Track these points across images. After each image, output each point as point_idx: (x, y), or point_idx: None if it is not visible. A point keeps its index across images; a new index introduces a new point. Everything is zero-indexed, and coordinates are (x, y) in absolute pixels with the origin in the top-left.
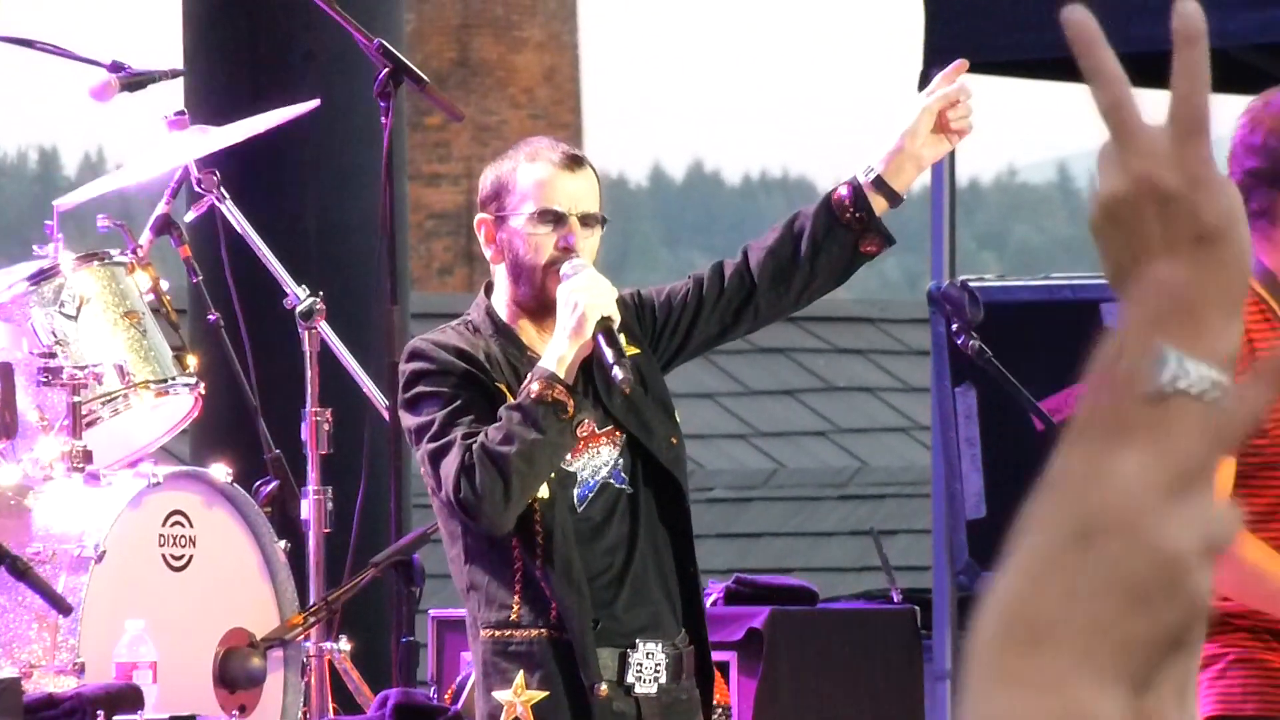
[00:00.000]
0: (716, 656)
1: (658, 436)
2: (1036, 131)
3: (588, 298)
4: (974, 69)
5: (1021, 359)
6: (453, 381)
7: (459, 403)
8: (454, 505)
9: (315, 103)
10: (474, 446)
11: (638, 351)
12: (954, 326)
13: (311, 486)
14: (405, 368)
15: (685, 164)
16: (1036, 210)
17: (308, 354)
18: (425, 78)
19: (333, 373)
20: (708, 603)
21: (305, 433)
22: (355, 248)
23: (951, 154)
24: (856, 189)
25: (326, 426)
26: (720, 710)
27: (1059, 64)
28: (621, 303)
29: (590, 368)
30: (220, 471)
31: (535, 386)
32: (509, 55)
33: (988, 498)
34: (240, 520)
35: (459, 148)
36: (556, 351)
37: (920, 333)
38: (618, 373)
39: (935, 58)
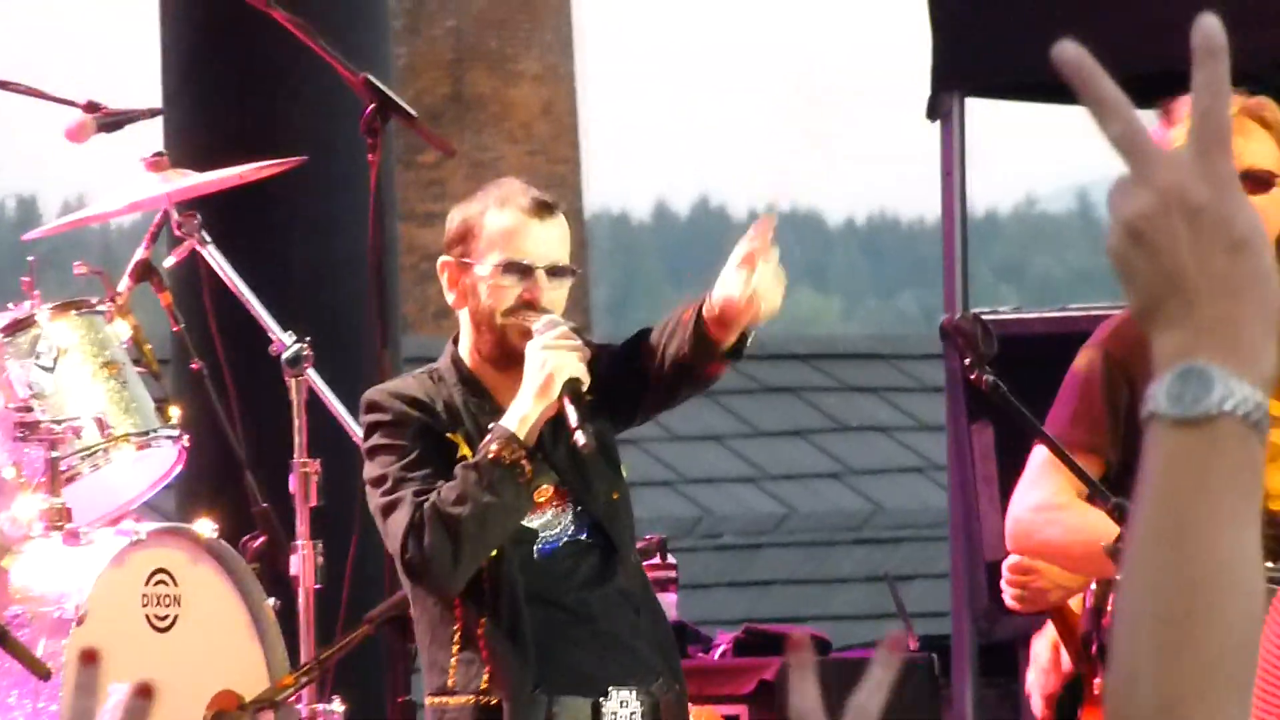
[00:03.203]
0: (727, 710)
1: (596, 491)
2: (1055, 159)
3: (557, 358)
4: (987, 93)
5: (1038, 392)
6: (407, 433)
7: (413, 456)
8: (400, 566)
9: (300, 159)
10: (425, 505)
11: (593, 398)
12: (967, 361)
13: (301, 541)
14: (362, 419)
15: (690, 199)
16: (1056, 240)
17: (295, 403)
18: (413, 112)
19: (322, 422)
20: (716, 654)
21: (293, 485)
22: (344, 291)
23: (963, 183)
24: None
25: (315, 478)
26: None
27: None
28: (591, 363)
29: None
30: (205, 527)
31: (494, 446)
32: (504, 89)
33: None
34: (227, 577)
35: (454, 186)
36: (520, 411)
37: (935, 369)
38: (580, 438)
39: (944, 83)
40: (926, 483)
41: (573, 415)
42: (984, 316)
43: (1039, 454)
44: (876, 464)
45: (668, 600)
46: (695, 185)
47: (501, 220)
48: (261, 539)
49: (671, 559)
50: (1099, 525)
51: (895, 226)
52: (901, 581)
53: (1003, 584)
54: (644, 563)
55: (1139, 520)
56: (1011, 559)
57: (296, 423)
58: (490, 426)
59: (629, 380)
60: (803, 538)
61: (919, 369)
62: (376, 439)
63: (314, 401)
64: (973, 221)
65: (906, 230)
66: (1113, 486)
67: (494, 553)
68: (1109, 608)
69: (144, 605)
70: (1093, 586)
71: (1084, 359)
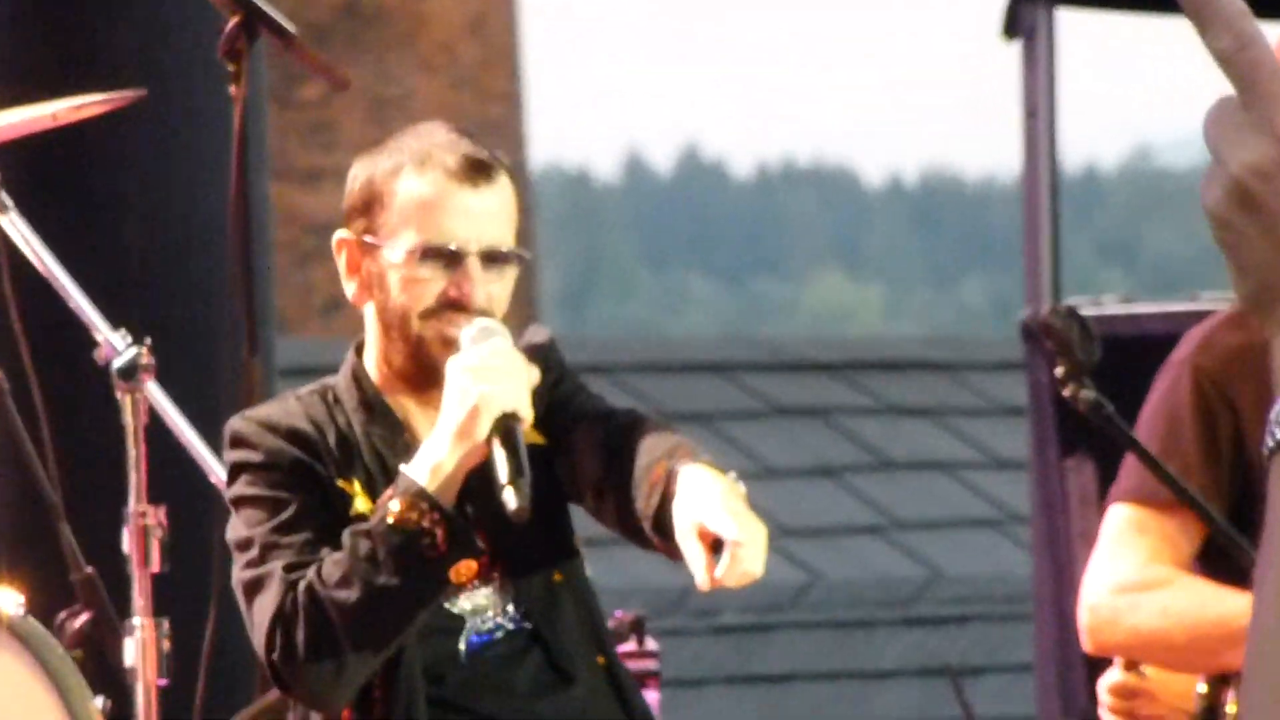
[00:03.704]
0: None
1: (531, 577)
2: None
3: (487, 384)
4: (1085, 1)
5: None
6: (279, 479)
7: (288, 513)
8: (266, 666)
9: (135, 94)
10: (300, 586)
11: (541, 442)
12: (1059, 372)
13: (139, 619)
14: (225, 457)
15: (674, 150)
16: (1179, 207)
17: (130, 429)
18: (291, 28)
19: (168, 455)
20: None
21: (128, 542)
22: (197, 276)
23: (1052, 129)
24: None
25: (159, 532)
26: None
27: None
28: (538, 392)
29: (477, 470)
30: (6, 600)
31: (395, 506)
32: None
33: None
34: (37, 669)
35: (348, 131)
36: (432, 456)
37: (1013, 383)
38: (510, 499)
39: None
40: (1001, 540)
41: (503, 466)
42: (1081, 311)
43: (1118, 515)
44: (932, 514)
45: (646, 702)
46: (680, 132)
47: (420, 186)
48: (84, 616)
49: (652, 644)
50: (1212, 603)
51: (956, 189)
52: (967, 676)
53: (1101, 712)
54: (615, 649)
55: (1267, 585)
56: (1111, 676)
57: (132, 455)
58: (400, 471)
59: (569, 457)
60: (832, 616)
61: (990, 383)
62: (241, 487)
63: (156, 427)
64: (1066, 181)
65: (972, 194)
66: (1208, 551)
67: (392, 651)
68: (1227, 711)
69: None
70: (1201, 688)
71: (1166, 382)
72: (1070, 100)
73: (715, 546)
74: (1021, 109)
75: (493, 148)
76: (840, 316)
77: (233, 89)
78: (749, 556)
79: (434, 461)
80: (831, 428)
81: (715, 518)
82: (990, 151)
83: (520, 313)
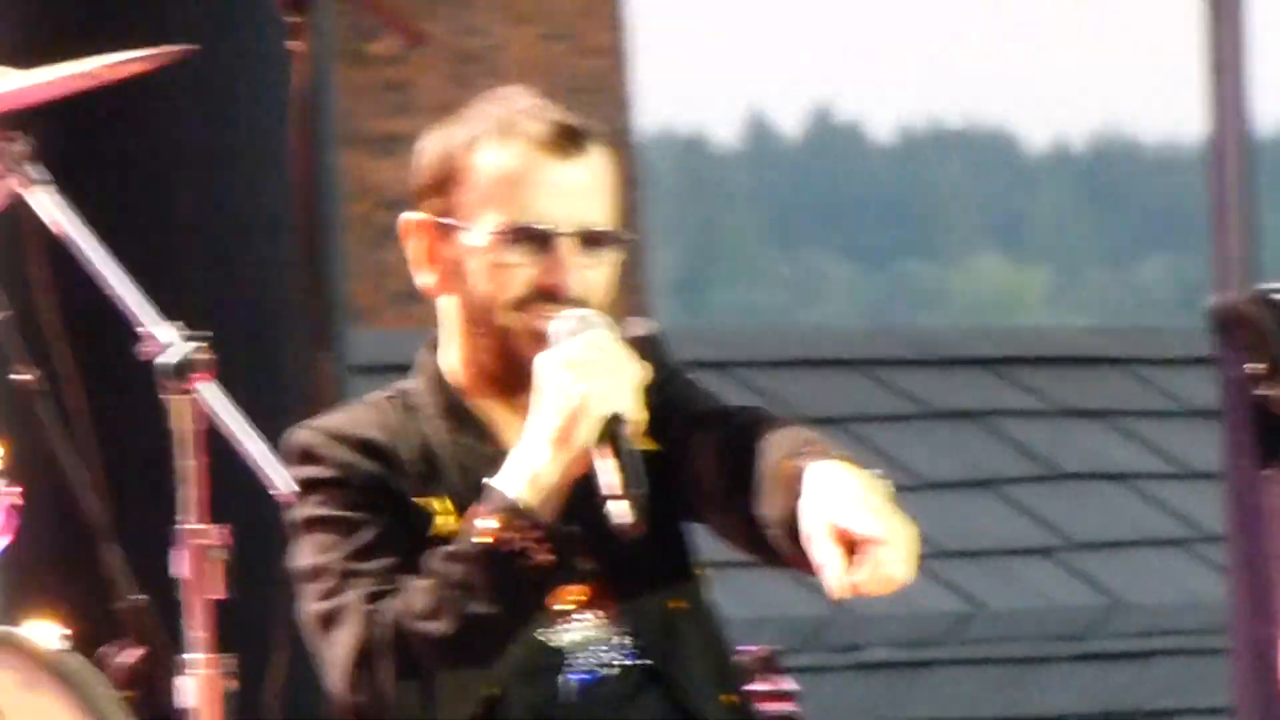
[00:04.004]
0: None
1: (645, 597)
2: None
3: (588, 382)
4: None
5: None
6: (353, 497)
7: (364, 535)
8: (349, 709)
9: (187, 49)
10: (383, 619)
11: (653, 449)
12: (1254, 368)
13: (197, 654)
14: (290, 473)
15: (804, 111)
16: None
17: (183, 435)
18: None
19: (226, 465)
20: None
21: (183, 565)
22: (257, 260)
23: (1243, 90)
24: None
25: (219, 554)
26: None
27: None
28: (651, 389)
29: (580, 480)
30: (46, 632)
31: (489, 524)
32: None
33: None
34: (81, 710)
35: (426, 92)
36: (529, 467)
37: (1201, 380)
38: (621, 512)
39: None
40: (1191, 562)
41: (610, 475)
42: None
43: None
44: (1111, 532)
45: None
46: (810, 88)
47: (502, 159)
48: (134, 651)
49: (787, 683)
50: None
51: (1133, 155)
52: (1153, 719)
53: None
54: (744, 688)
55: None
56: None
57: (186, 467)
58: (487, 486)
59: (685, 464)
60: (994, 651)
61: (1175, 381)
62: (309, 508)
63: (213, 433)
64: (1260, 147)
65: (1152, 160)
66: None
67: (490, 690)
68: None
69: None
70: None
71: None
72: (1264, 54)
73: (852, 550)
74: (1208, 64)
75: (591, 110)
76: (999, 304)
77: (295, 44)
78: (892, 558)
79: (531, 472)
80: (991, 433)
81: (851, 514)
82: (1171, 113)
83: (627, 302)
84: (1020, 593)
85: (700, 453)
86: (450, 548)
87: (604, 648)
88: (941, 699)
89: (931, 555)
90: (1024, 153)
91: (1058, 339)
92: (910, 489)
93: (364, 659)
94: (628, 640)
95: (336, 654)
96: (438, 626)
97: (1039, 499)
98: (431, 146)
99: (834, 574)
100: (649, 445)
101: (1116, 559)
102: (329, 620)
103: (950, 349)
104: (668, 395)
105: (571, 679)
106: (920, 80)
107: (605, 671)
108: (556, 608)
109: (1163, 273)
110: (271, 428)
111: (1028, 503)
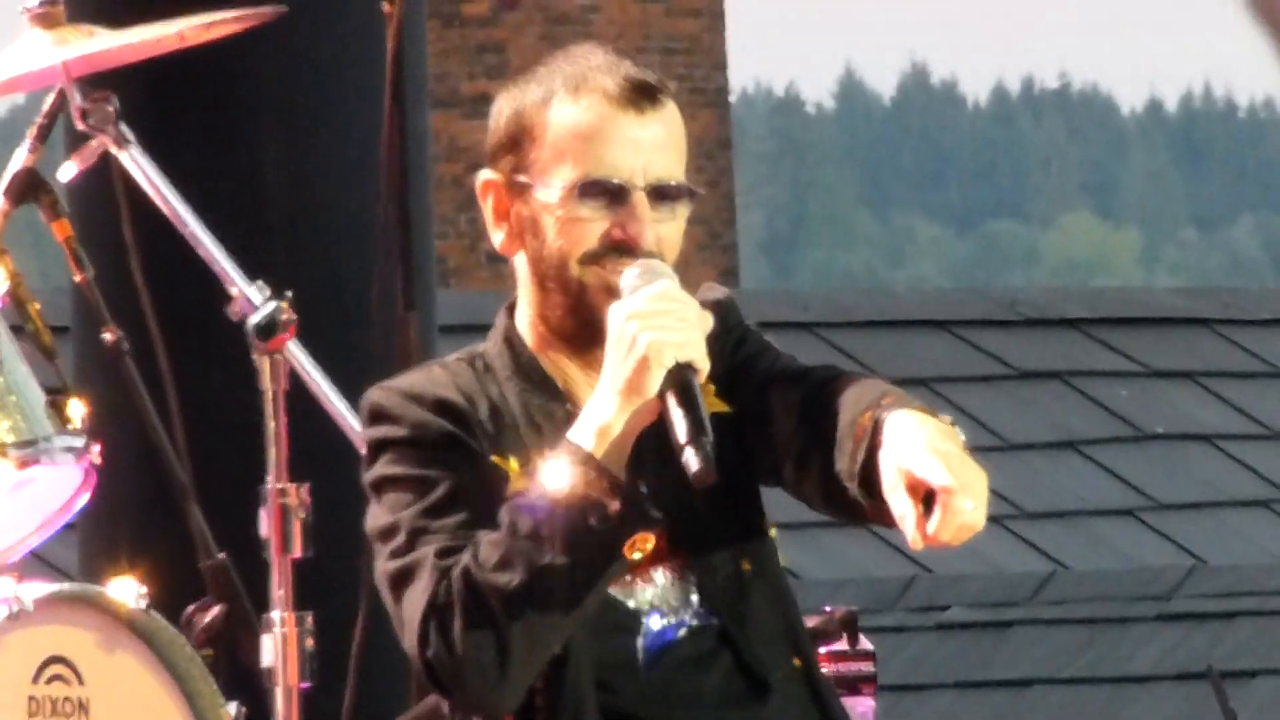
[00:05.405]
0: None
1: (715, 564)
2: None
3: (657, 331)
4: None
5: None
6: (427, 455)
7: (437, 493)
8: (420, 667)
9: (275, 9)
10: (454, 574)
11: (725, 410)
12: None
13: (278, 613)
14: (364, 432)
15: (897, 70)
16: None
17: (269, 395)
18: None
19: (312, 425)
20: None
21: (266, 525)
22: (346, 221)
23: None
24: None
25: (301, 514)
26: None
27: None
28: (714, 342)
29: (651, 435)
30: (127, 591)
31: (559, 474)
32: None
33: None
34: (160, 670)
35: (520, 53)
36: (598, 417)
37: None
38: (692, 460)
39: None
40: (1274, 523)
41: (680, 424)
42: None
43: None
44: (1196, 494)
45: (861, 709)
46: (904, 48)
47: (576, 115)
48: (215, 610)
49: (866, 644)
50: None
51: (1229, 114)
52: (1233, 679)
53: None
54: (821, 652)
55: None
56: None
57: (270, 426)
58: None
59: (762, 425)
60: (1077, 611)
61: (1264, 342)
62: (382, 467)
63: (298, 393)
64: None
65: (1244, 121)
66: None
67: (560, 650)
68: None
69: (31, 713)
70: None
71: None
72: None
73: (929, 500)
74: None
75: (686, 71)
76: (1090, 264)
77: (386, 5)
78: (965, 506)
79: (600, 423)
80: (1078, 393)
81: (923, 462)
82: (1265, 75)
83: (717, 262)
84: (1103, 553)
85: (778, 411)
86: (520, 499)
87: (676, 606)
88: (1023, 660)
89: (1015, 515)
90: (1116, 113)
91: (1144, 300)
92: (995, 449)
93: (435, 613)
94: (697, 600)
95: (409, 610)
96: (509, 578)
97: (1123, 460)
98: (505, 105)
99: (909, 526)
100: (720, 407)
101: (1200, 519)
102: (402, 578)
103: (1037, 310)
104: (742, 356)
105: (642, 640)
106: (1014, 40)
107: (677, 634)
108: (630, 558)
109: (1254, 233)
110: (357, 388)
111: (1112, 463)
